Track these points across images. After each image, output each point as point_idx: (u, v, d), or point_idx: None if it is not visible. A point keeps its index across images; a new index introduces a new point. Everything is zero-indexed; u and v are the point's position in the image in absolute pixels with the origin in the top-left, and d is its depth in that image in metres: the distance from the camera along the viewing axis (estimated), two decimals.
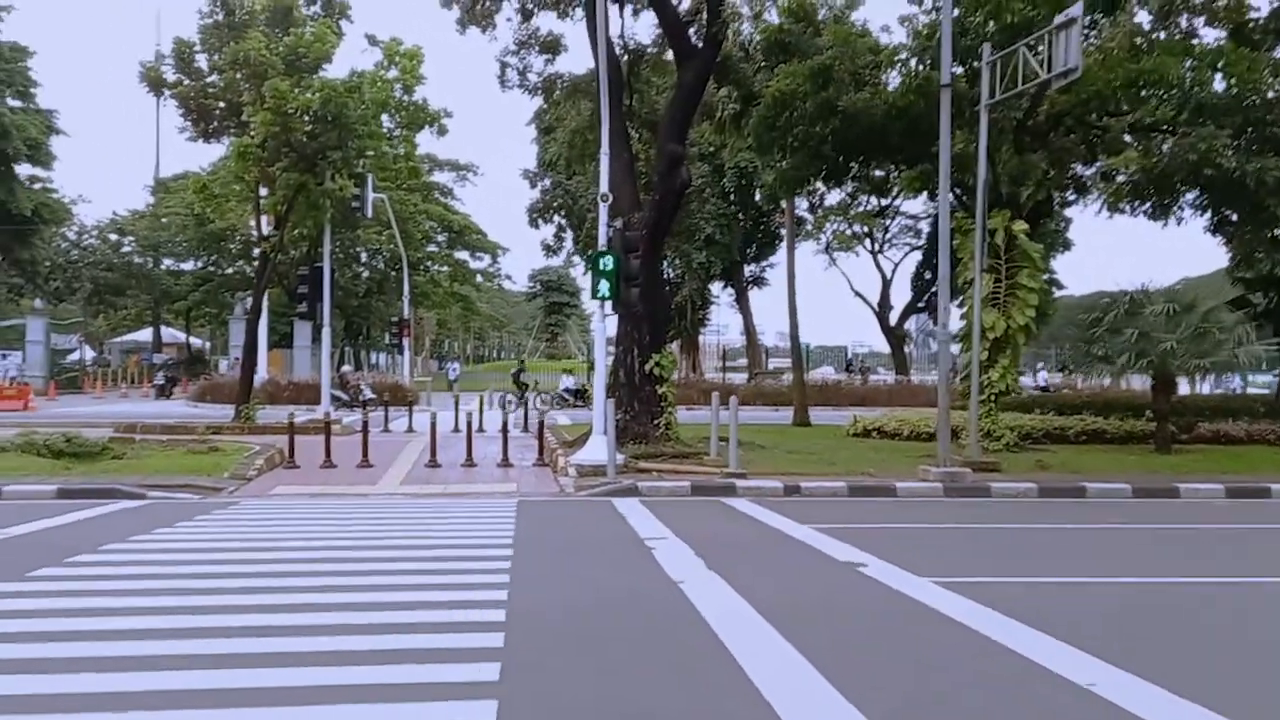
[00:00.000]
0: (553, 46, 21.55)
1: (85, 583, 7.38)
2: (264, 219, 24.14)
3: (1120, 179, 19.24)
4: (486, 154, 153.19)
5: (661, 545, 9.08)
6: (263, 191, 23.08)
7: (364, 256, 61.62)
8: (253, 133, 21.20)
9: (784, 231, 53.44)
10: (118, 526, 10.28)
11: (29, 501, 12.28)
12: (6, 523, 10.39)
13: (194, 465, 15.17)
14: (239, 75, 21.76)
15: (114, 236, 56.66)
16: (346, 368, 38.41)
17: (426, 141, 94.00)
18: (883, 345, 56.23)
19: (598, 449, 14.98)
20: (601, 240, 15.21)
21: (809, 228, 51.16)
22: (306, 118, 21.49)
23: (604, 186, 15.17)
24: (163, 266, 58.27)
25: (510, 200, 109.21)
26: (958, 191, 18.12)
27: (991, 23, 16.01)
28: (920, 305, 52.83)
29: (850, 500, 13.08)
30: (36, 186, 48.33)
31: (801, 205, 50.68)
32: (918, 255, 52.24)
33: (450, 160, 53.85)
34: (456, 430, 22.11)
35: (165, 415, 27.93)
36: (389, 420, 24.10)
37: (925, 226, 51.97)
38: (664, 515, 11.08)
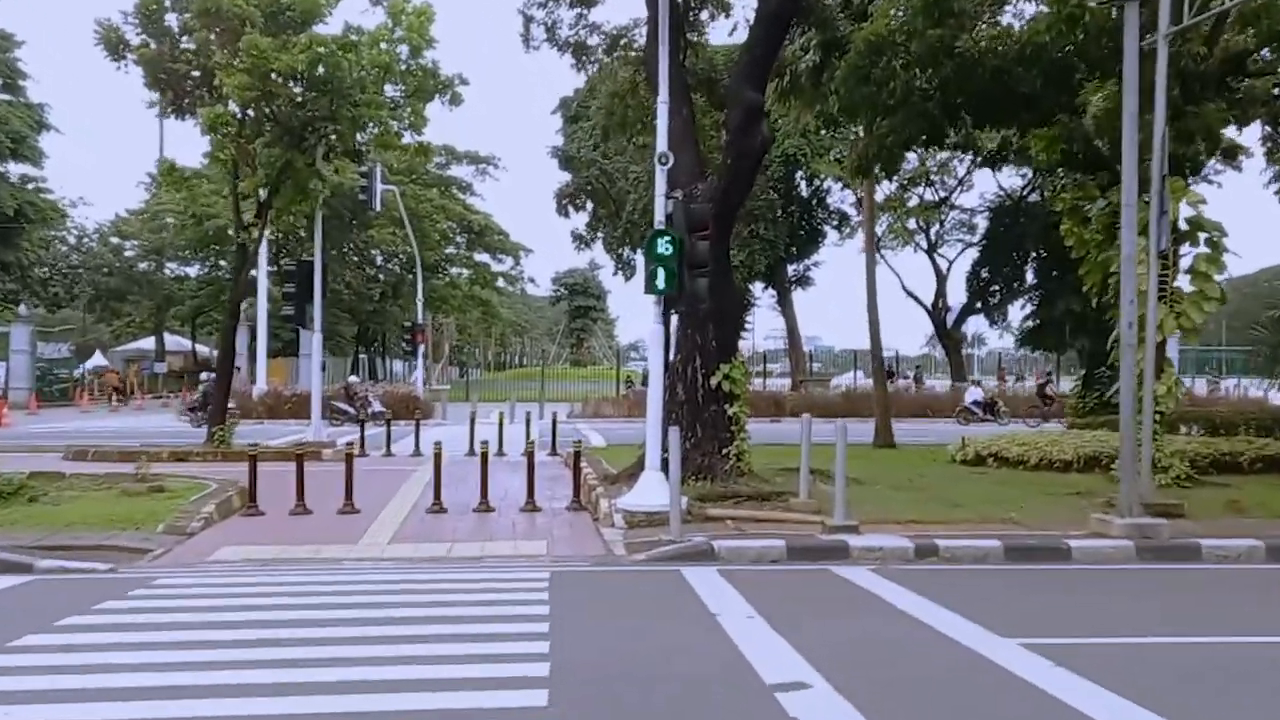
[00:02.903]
0: None
1: None
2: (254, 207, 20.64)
3: None
4: (507, 137, 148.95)
5: (798, 699, 5.34)
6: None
7: (379, 259, 58.63)
8: (227, 100, 17.70)
9: (828, 228, 50.37)
10: None
11: None
12: None
13: (124, 513, 11.58)
14: (210, 34, 18.24)
15: (115, 240, 53.95)
16: (353, 378, 35.03)
17: (443, 129, 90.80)
18: (910, 349, 52.17)
19: (652, 490, 11.30)
20: (658, 216, 11.53)
21: (855, 222, 47.41)
22: (292, 83, 17.98)
23: (662, 144, 11.49)
24: (166, 271, 55.51)
25: (534, 191, 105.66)
26: (1091, 156, 14.29)
27: None
28: (978, 307, 48.78)
29: (1014, 570, 9.29)
30: (30, 186, 45.55)
31: (847, 199, 47.00)
32: (972, 254, 48.26)
33: (470, 152, 50.43)
34: (471, 454, 18.53)
35: (134, 434, 24.57)
36: (391, 441, 20.47)
37: (982, 222, 48.02)
38: (767, 605, 7.38)
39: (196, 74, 18.98)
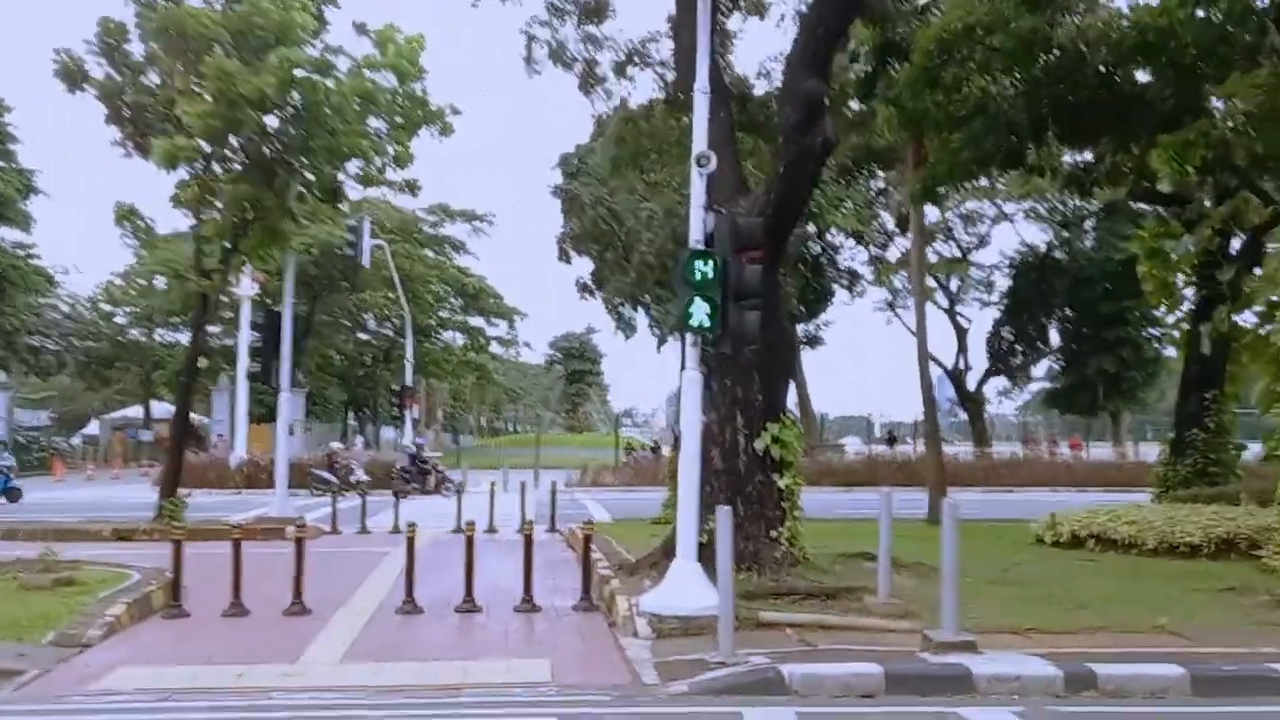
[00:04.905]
0: (598, 11, 15.81)
1: None
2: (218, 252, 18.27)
3: None
4: (507, 179, 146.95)
5: None
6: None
7: (371, 323, 56.44)
8: (188, 130, 15.41)
9: (837, 287, 48.10)
10: None
11: None
12: None
13: (10, 615, 8.95)
14: (177, 62, 16.04)
15: (106, 306, 52.00)
16: (336, 444, 32.36)
17: (436, 186, 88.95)
18: (906, 415, 49.52)
19: (687, 586, 8.69)
20: (694, 234, 9.11)
21: (866, 281, 45.20)
22: (262, 111, 15.72)
23: (700, 142, 9.11)
24: (156, 336, 53.41)
25: (533, 238, 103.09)
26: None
27: None
28: (999, 368, 46.31)
29: (1212, 713, 6.64)
30: (19, 252, 43.69)
31: (858, 256, 44.84)
32: (991, 313, 45.98)
33: (465, 210, 48.25)
34: (459, 530, 15.80)
35: (99, 506, 22.03)
36: (367, 515, 17.77)
37: (1001, 279, 45.85)
38: None
39: (160, 107, 16.76)
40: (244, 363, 31.56)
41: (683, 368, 9.30)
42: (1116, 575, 11.06)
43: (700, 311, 8.68)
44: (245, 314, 30.64)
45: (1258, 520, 12.06)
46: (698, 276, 8.69)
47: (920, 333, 18.67)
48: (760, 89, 16.54)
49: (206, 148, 16.12)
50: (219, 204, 16.29)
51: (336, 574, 12.13)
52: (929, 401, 18.47)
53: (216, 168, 16.26)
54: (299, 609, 9.68)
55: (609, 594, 9.66)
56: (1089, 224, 43.06)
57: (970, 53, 11.69)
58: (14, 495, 24.46)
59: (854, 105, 17.17)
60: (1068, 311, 44.02)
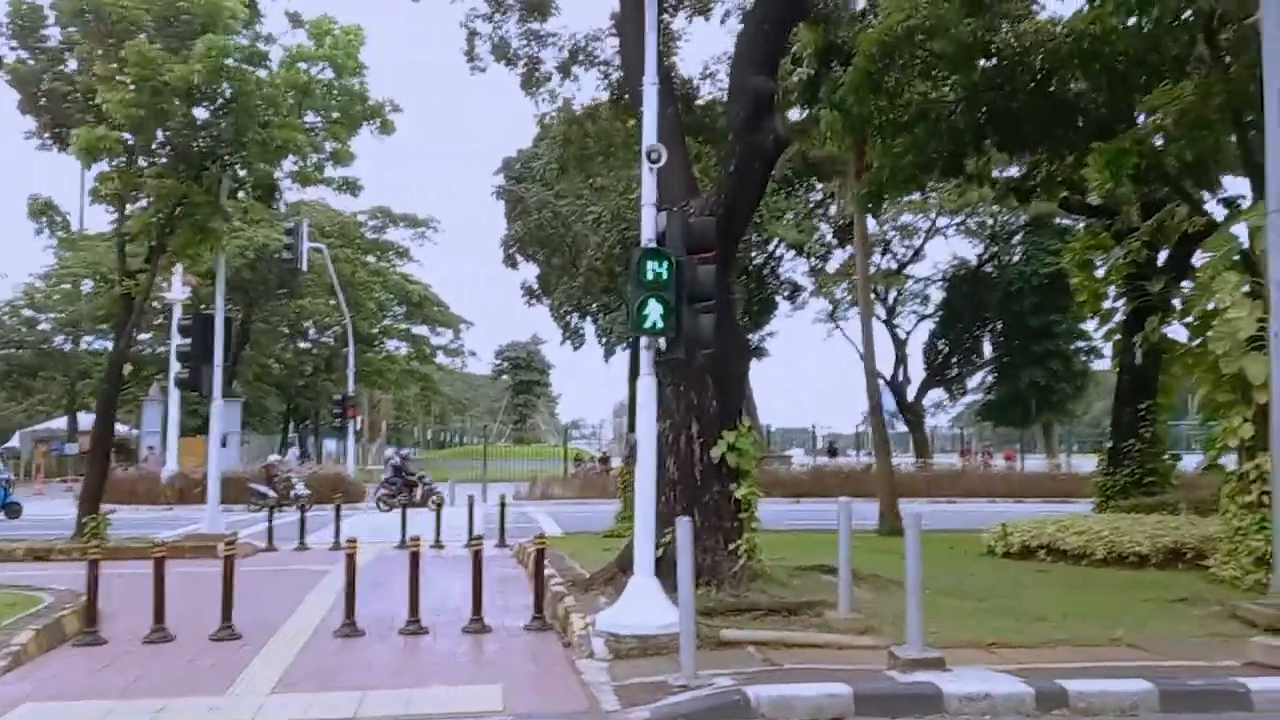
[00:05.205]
0: (540, 7, 15.43)
1: None
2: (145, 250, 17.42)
3: None
4: (449, 183, 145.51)
5: None
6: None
7: (312, 331, 55.18)
8: (110, 119, 14.65)
9: (779, 298, 48.10)
10: None
11: None
12: None
13: None
14: (98, 48, 15.25)
15: (28, 312, 49.92)
16: (274, 457, 31.30)
17: (379, 189, 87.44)
18: (845, 427, 49.89)
19: (645, 604, 8.26)
20: (646, 233, 8.73)
21: (808, 293, 45.32)
22: (189, 101, 15.03)
23: (650, 135, 8.73)
24: (83, 344, 51.46)
25: (478, 243, 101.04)
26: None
27: None
28: (938, 380, 46.67)
29: None
30: None
31: (800, 268, 44.94)
32: (927, 325, 46.32)
33: (407, 215, 47.33)
34: (404, 546, 15.21)
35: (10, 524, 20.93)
36: (306, 531, 17.05)
37: (936, 292, 46.24)
38: None
39: (78, 95, 15.93)
40: (176, 369, 30.42)
41: (632, 377, 8.97)
42: (1069, 586, 10.90)
43: (654, 313, 8.27)
44: (177, 319, 29.55)
45: (1200, 529, 12.06)
46: (650, 276, 8.29)
47: (867, 342, 18.52)
48: (705, 91, 16.35)
49: (130, 139, 15.37)
50: (144, 199, 15.54)
51: (271, 594, 11.52)
52: (876, 411, 18.32)
53: (142, 161, 15.49)
54: (228, 634, 9.07)
55: (563, 612, 9.20)
56: (1017, 238, 43.71)
57: (912, 57, 11.54)
58: (13, 511, 22.95)
59: (794, 114, 17.03)
60: (999, 325, 44.65)
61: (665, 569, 8.81)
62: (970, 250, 45.52)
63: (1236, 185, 15.33)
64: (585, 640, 8.19)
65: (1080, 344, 43.35)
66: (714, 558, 9.73)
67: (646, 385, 8.62)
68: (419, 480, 26.53)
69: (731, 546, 9.86)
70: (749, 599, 9.28)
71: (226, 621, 9.12)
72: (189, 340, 16.33)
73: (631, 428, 17.05)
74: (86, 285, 45.18)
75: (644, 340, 8.62)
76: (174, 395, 31.49)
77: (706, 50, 17.64)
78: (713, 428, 10.00)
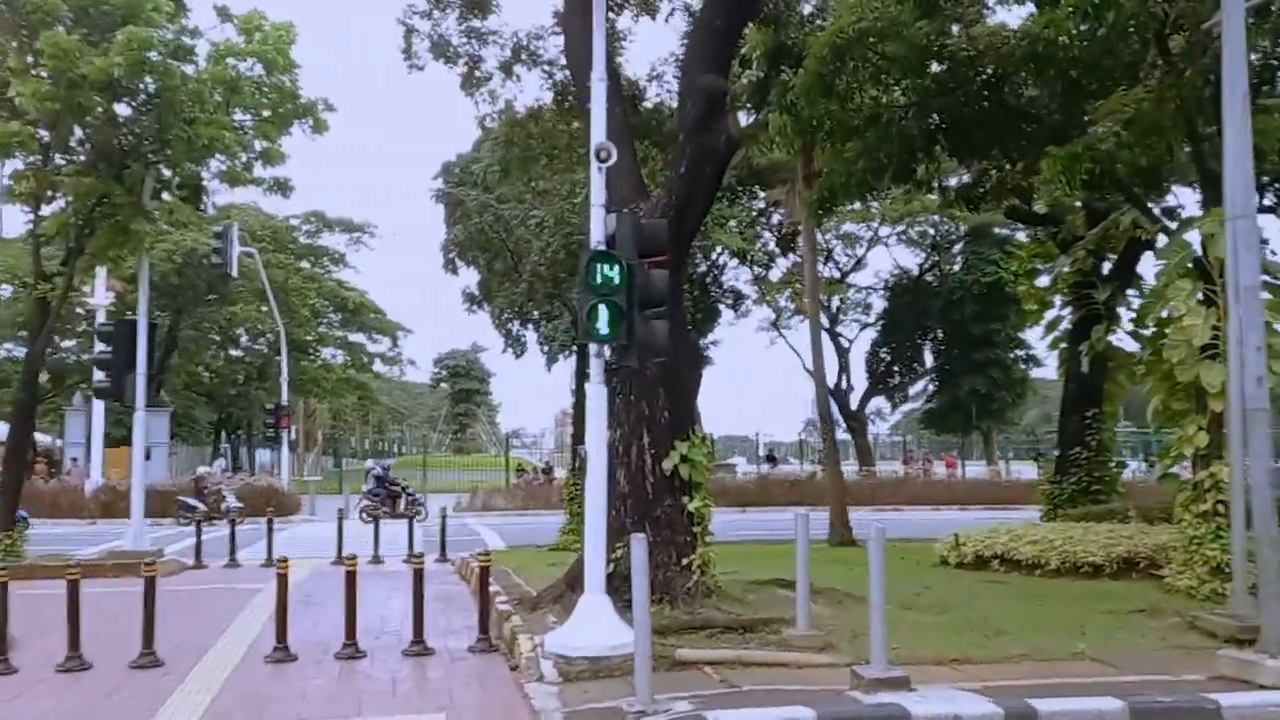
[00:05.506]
0: (480, 4, 14.99)
1: None
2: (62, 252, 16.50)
3: None
4: (385, 188, 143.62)
5: None
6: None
7: (244, 339, 53.70)
8: (24, 113, 13.85)
9: (723, 306, 48.09)
10: None
11: None
12: None
13: None
14: (12, 39, 14.43)
15: None
16: (204, 468, 30.31)
17: (316, 191, 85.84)
18: (784, 435, 50.25)
19: (597, 623, 7.87)
20: (594, 233, 8.35)
21: (751, 301, 45.36)
22: (110, 96, 14.27)
23: (599, 133, 8.36)
24: (2, 351, 49.36)
25: (415, 261, 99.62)
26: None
27: None
28: (880, 388, 47.01)
29: None
30: None
31: (741, 276, 44.98)
32: (870, 334, 46.62)
33: (343, 219, 46.27)
34: (340, 562, 14.57)
35: None
36: (237, 546, 16.31)
37: (878, 301, 46.60)
38: None
39: None
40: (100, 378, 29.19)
41: (579, 385, 8.52)
42: (1026, 597, 10.73)
43: (604, 319, 7.90)
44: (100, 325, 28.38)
45: (1152, 539, 12.01)
46: (601, 280, 7.92)
47: (816, 351, 18.37)
48: (653, 92, 16.05)
49: (46, 135, 14.57)
50: (62, 199, 14.74)
51: (199, 615, 10.91)
52: (827, 419, 18.16)
53: (59, 159, 14.71)
54: (150, 660, 8.46)
55: (509, 632, 8.76)
56: (957, 247, 44.30)
57: (864, 60, 11.37)
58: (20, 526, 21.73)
59: (742, 118, 16.83)
60: (940, 333, 45.17)
61: (617, 586, 8.45)
62: (912, 259, 46.07)
63: (1179, 195, 15.48)
64: (534, 663, 7.77)
65: (1019, 352, 44.05)
66: (667, 573, 9.37)
67: (596, 394, 8.24)
68: (403, 490, 26.41)
69: (685, 561, 9.51)
70: (703, 616, 8.94)
71: (148, 647, 8.51)
72: (110, 347, 15.51)
73: (579, 438, 16.61)
74: (5, 290, 43.34)
75: (593, 347, 8.25)
76: (98, 405, 30.27)
77: (653, 51, 17.45)
78: (665, 438, 9.66)
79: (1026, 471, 42.84)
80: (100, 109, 14.12)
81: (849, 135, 12.45)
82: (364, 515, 23.82)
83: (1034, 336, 43.93)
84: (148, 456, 17.72)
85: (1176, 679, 7.28)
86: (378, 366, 57.26)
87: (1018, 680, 7.24)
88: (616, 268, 7.99)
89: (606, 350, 8.25)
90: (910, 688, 6.82)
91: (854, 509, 25.33)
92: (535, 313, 31.14)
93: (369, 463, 32.66)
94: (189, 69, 14.85)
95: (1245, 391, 7.31)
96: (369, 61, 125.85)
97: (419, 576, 9.08)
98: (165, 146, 14.50)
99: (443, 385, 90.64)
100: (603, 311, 7.92)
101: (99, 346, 16.63)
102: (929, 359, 46.70)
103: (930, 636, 8.69)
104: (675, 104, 15.24)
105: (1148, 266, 14.75)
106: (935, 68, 11.54)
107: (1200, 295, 10.09)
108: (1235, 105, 7.57)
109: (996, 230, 40.10)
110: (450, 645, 9.03)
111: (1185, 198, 15.30)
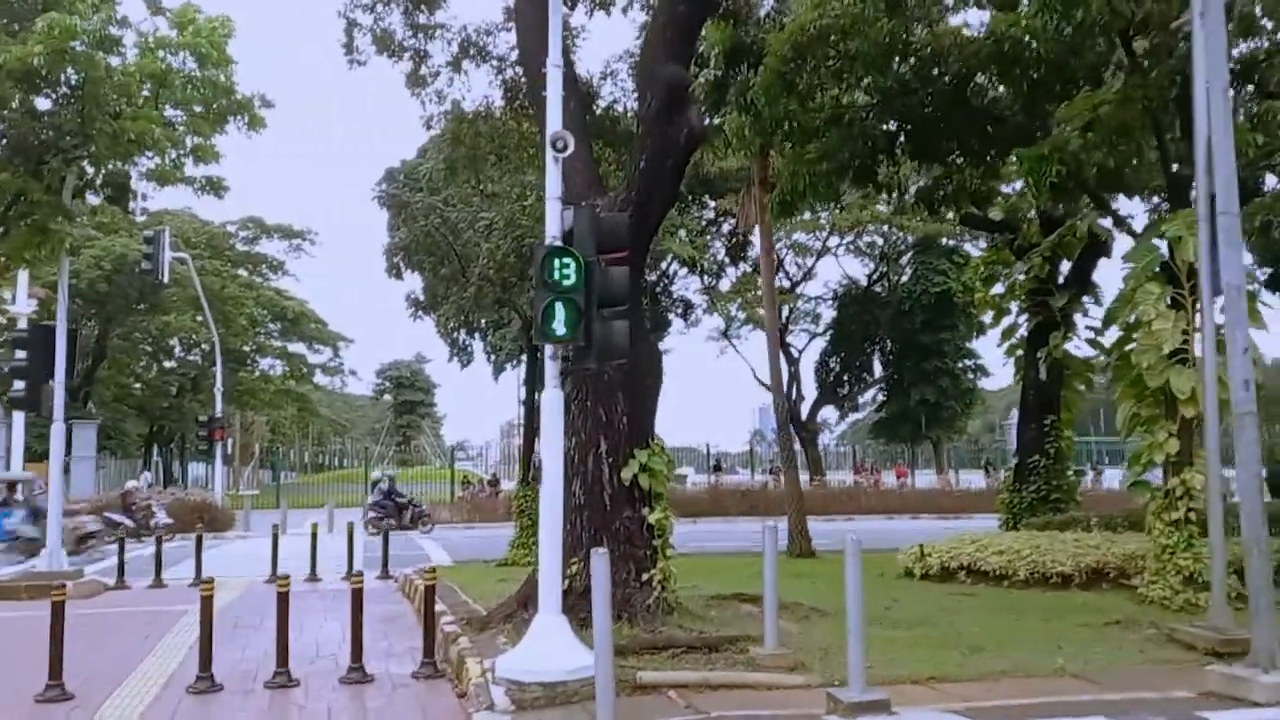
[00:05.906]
0: None
1: None
2: None
3: None
4: (327, 193, 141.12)
5: None
6: None
7: (177, 349, 52.05)
8: None
9: (672, 316, 47.83)
10: None
11: None
12: None
13: None
14: None
15: None
16: (132, 483, 28.91)
17: (248, 195, 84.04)
18: (731, 445, 50.31)
19: (552, 645, 7.28)
20: (550, 228, 7.81)
21: (701, 311, 45.15)
22: (24, 88, 13.41)
23: (555, 120, 7.84)
24: None
25: (358, 269, 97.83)
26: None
27: None
28: (830, 398, 46.99)
29: None
30: None
31: (691, 285, 44.78)
32: (819, 344, 46.66)
33: (281, 225, 45.06)
34: (274, 580, 13.76)
35: None
36: (162, 566, 15.38)
37: (826, 311, 46.69)
38: None
39: None
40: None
41: (527, 393, 8.03)
42: (998, 610, 10.38)
43: (561, 318, 7.37)
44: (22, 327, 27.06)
45: (1120, 548, 11.78)
46: (557, 276, 7.39)
47: (773, 360, 18.04)
48: (607, 91, 15.56)
49: None
50: None
51: (118, 641, 10.12)
52: (785, 428, 17.81)
53: None
54: (57, 693, 7.69)
55: (456, 656, 8.14)
56: (906, 258, 44.56)
57: (825, 58, 11.03)
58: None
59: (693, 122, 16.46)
60: (889, 343, 45.37)
61: (573, 603, 7.92)
62: (860, 269, 46.22)
63: (1127, 205, 15.39)
64: (483, 689, 7.17)
65: (968, 362, 44.42)
66: (626, 589, 8.82)
67: (552, 399, 7.69)
68: (409, 504, 26.30)
69: (645, 576, 8.99)
70: (666, 635, 8.41)
71: (55, 678, 7.73)
72: (26, 355, 14.52)
73: (530, 447, 16.01)
74: None
75: (549, 350, 7.71)
76: (18, 416, 28.87)
77: (607, 48, 16.96)
78: (623, 446, 9.14)
79: (975, 480, 43.12)
80: (16, 101, 13.24)
81: (810, 136, 12.11)
82: (370, 528, 23.06)
83: (983, 346, 44.57)
84: (66, 470, 16.69)
85: (1165, 696, 6.97)
86: (318, 378, 55.85)
87: (1002, 700, 6.88)
88: (574, 264, 7.47)
89: (572, 351, 7.71)
90: (891, 711, 6.40)
91: (808, 519, 25.07)
92: (482, 321, 30.47)
93: (375, 475, 32.32)
94: (115, 61, 14.04)
95: (1233, 396, 7.02)
96: (311, 60, 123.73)
97: (357, 596, 8.42)
98: (88, 141, 13.64)
99: (386, 396, 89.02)
100: (559, 310, 7.39)
101: (18, 354, 15.67)
102: (878, 369, 46.87)
103: (905, 654, 8.27)
104: (630, 104, 14.82)
105: (1104, 273, 14.64)
106: (898, 67, 11.23)
107: (1169, 299, 9.87)
108: (1217, 98, 7.30)
109: (944, 241, 40.41)
110: (392, 670, 8.38)
111: (1135, 208, 15.26)
